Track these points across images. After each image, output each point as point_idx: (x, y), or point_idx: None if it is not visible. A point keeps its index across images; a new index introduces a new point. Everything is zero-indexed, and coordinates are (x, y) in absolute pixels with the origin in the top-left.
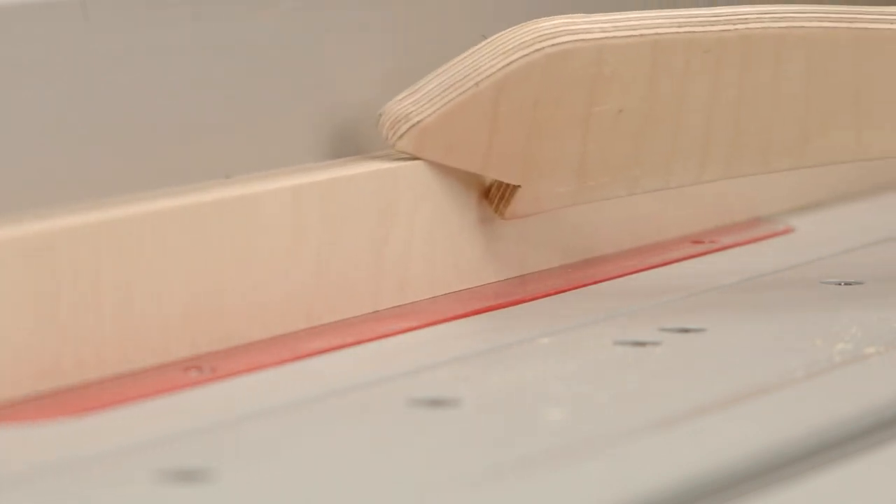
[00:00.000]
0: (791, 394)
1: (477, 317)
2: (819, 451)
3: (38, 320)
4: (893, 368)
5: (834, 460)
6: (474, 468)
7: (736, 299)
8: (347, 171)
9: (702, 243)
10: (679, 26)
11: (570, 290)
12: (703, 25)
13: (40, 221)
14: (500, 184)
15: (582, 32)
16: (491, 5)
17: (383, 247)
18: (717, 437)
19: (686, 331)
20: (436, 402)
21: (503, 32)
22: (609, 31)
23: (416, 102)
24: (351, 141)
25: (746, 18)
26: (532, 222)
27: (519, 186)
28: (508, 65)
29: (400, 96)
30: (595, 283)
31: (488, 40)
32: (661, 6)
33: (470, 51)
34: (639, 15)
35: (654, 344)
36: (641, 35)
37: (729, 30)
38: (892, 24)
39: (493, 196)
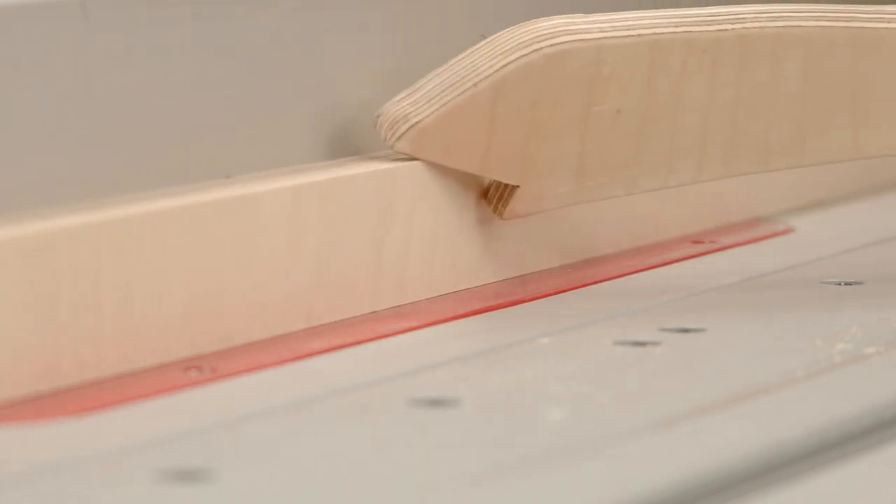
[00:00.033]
0: (791, 394)
1: (477, 317)
2: (819, 451)
3: (38, 320)
4: (893, 368)
5: (834, 460)
6: (474, 468)
7: (736, 299)
8: (347, 171)
9: (702, 243)
10: (676, 26)
11: (570, 290)
12: (700, 25)
13: (40, 221)
14: (499, 184)
15: (580, 33)
16: (491, 5)
17: (383, 247)
18: (717, 437)
19: (686, 331)
20: (436, 402)
21: (501, 33)
22: (607, 32)
23: (415, 103)
24: (350, 141)
25: (743, 18)
26: (531, 222)
27: (518, 186)
28: (506, 65)
29: (398, 97)
30: (595, 283)
31: (487, 40)
32: (658, 6)
33: (468, 51)
34: (637, 15)
35: (654, 344)
36: (639, 35)
37: (726, 29)
38: (888, 22)
39: (492, 196)
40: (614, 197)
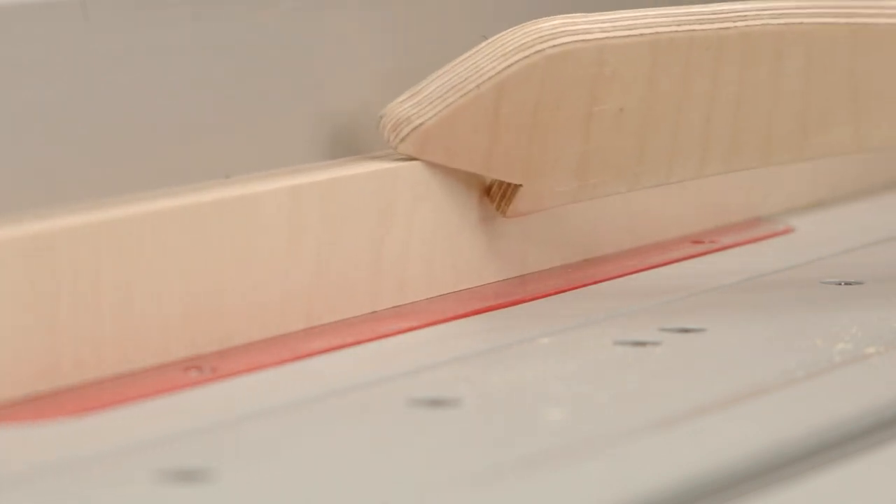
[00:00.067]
0: (791, 394)
1: (477, 317)
2: (819, 451)
3: (38, 320)
4: (893, 368)
5: (834, 460)
6: (474, 468)
7: (736, 299)
8: (347, 171)
9: (702, 243)
10: (679, 25)
11: (570, 290)
12: (702, 23)
13: (40, 221)
14: (502, 182)
15: (582, 33)
16: (491, 5)
17: (383, 247)
18: (717, 437)
19: (686, 331)
20: (436, 402)
21: (503, 33)
22: (609, 31)
23: (417, 105)
24: (350, 141)
25: (745, 16)
26: (532, 222)
27: (521, 185)
28: (509, 67)
29: (400, 98)
30: (595, 283)
31: (488, 41)
32: (659, 4)
33: (470, 52)
34: (638, 14)
35: (654, 344)
36: (641, 34)
37: (728, 27)
38: (889, 17)
39: (495, 194)
40: (617, 194)
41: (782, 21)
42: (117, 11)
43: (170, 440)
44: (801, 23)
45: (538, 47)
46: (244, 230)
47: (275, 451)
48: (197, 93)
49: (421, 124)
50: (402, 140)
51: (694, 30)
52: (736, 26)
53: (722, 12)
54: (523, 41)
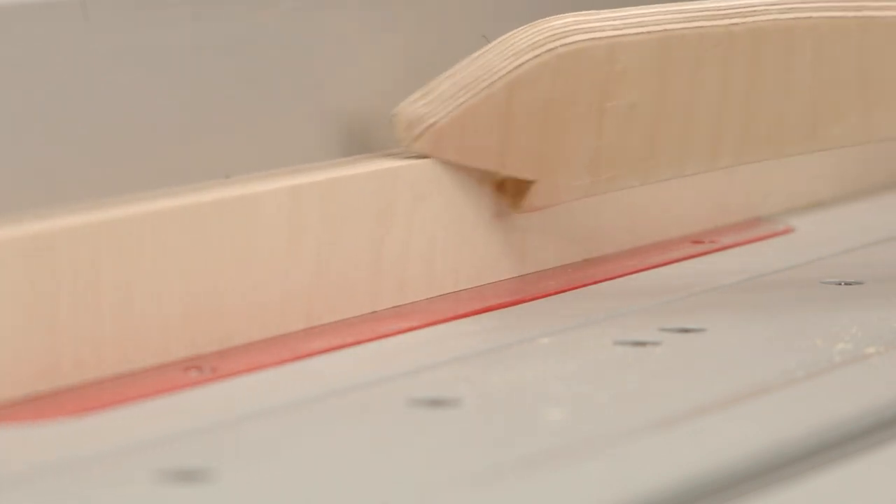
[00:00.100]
0: (791, 394)
1: (477, 317)
2: (819, 451)
3: (38, 320)
4: (893, 368)
5: (834, 460)
6: (474, 468)
7: (736, 299)
8: (347, 171)
9: (702, 243)
10: (688, 21)
11: (570, 290)
12: (712, 19)
13: (40, 221)
14: (515, 178)
15: (592, 31)
16: (491, 5)
17: (383, 247)
18: (717, 437)
19: (686, 331)
20: (436, 402)
21: (514, 32)
22: (619, 29)
23: (430, 104)
24: (350, 141)
25: (755, 11)
26: (531, 222)
27: (534, 181)
28: (520, 66)
29: (412, 97)
30: (595, 283)
31: (499, 40)
32: (669, 0)
33: (481, 51)
34: (648, 11)
35: (654, 344)
36: (651, 31)
37: (738, 23)
38: None
39: (509, 190)
40: (630, 188)
41: (791, 16)
42: (117, 11)
43: (170, 440)
44: (809, 17)
45: (549, 46)
46: (244, 230)
47: (275, 451)
48: (197, 93)
49: (434, 123)
50: (416, 139)
51: (703, 26)
52: (745, 22)
53: (731, 8)
54: (534, 39)
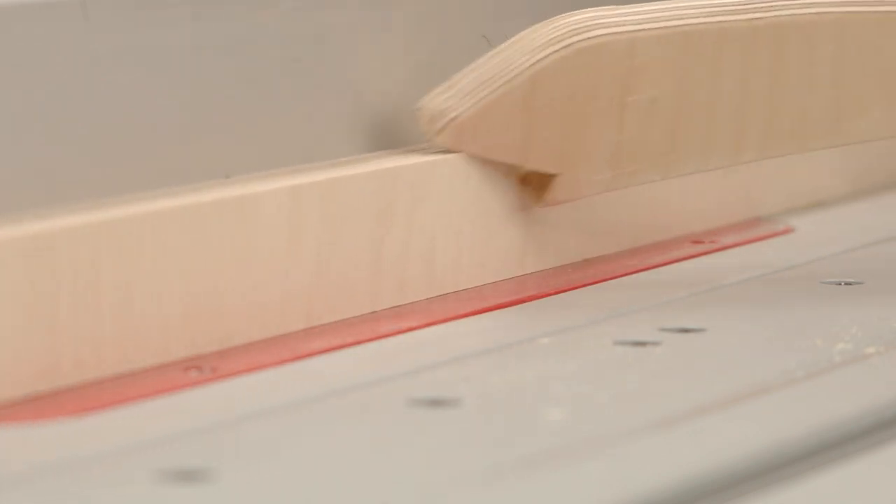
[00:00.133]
0: (791, 394)
1: (477, 317)
2: (819, 451)
3: (38, 320)
4: (893, 368)
5: (834, 460)
6: (474, 468)
7: (736, 299)
8: (347, 171)
9: (702, 243)
10: (710, 16)
11: (570, 290)
12: (733, 14)
13: (40, 221)
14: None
15: (613, 26)
16: (491, 5)
17: (382, 247)
18: (717, 437)
19: (686, 331)
20: (436, 402)
21: (534, 27)
22: (640, 24)
23: (452, 98)
24: (350, 141)
25: (776, 6)
26: (531, 223)
27: (556, 175)
28: (541, 60)
29: (435, 91)
30: (595, 283)
31: (519, 36)
32: None
33: (501, 46)
34: (669, 6)
35: (654, 344)
36: (672, 26)
37: (759, 18)
38: None
39: (531, 183)
40: (652, 182)
41: (812, 11)
42: (117, 11)
43: (170, 440)
44: (830, 12)
45: (569, 41)
46: (244, 230)
47: (275, 451)
48: (197, 93)
49: (456, 117)
50: (439, 132)
51: (725, 21)
52: (766, 17)
53: (752, 2)
54: (555, 35)
